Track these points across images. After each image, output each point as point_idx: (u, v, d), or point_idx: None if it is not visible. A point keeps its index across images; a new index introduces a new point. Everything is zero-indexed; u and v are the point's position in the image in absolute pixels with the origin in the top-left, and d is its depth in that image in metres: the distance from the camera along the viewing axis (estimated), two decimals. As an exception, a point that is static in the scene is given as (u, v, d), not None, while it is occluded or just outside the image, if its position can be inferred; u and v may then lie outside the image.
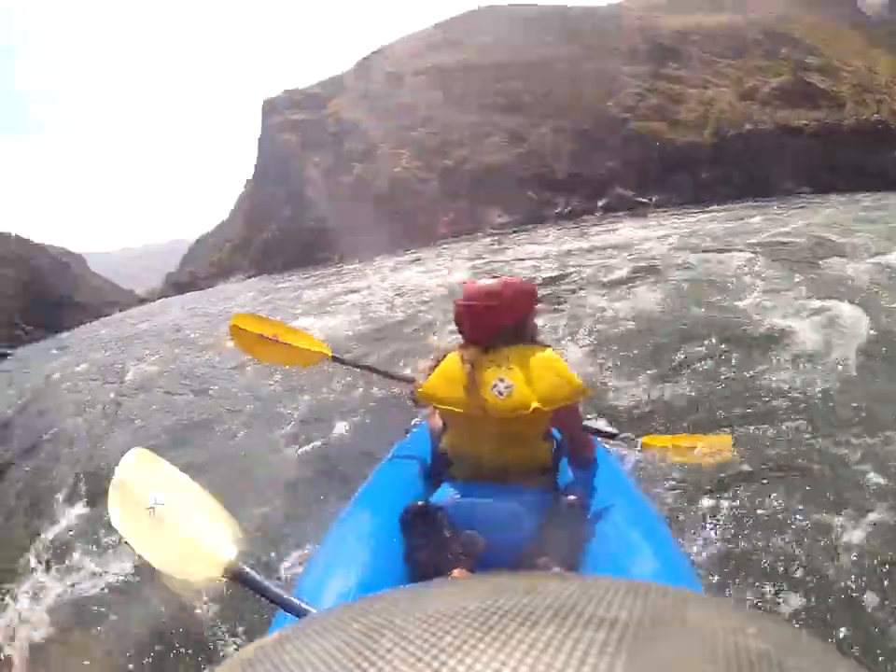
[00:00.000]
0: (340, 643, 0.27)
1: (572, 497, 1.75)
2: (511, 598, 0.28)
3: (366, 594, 1.16)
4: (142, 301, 52.67)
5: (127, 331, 18.15)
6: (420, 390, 1.92)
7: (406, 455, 2.32)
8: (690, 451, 2.52)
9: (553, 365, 1.81)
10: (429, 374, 1.95)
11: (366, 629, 0.28)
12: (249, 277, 40.54)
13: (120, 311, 41.58)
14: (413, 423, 3.47)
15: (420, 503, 1.71)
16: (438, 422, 2.16)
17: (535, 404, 1.74)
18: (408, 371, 4.46)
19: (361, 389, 5.15)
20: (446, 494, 1.81)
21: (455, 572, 1.57)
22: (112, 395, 7.73)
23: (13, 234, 59.52)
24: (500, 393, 1.76)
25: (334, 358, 3.23)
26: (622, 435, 2.62)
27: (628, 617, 0.27)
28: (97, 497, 3.88)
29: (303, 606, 1.30)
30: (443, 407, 1.87)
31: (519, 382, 1.77)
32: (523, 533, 1.68)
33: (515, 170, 36.73)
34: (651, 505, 1.95)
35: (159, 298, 48.49)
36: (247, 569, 1.41)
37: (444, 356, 1.94)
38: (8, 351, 25.29)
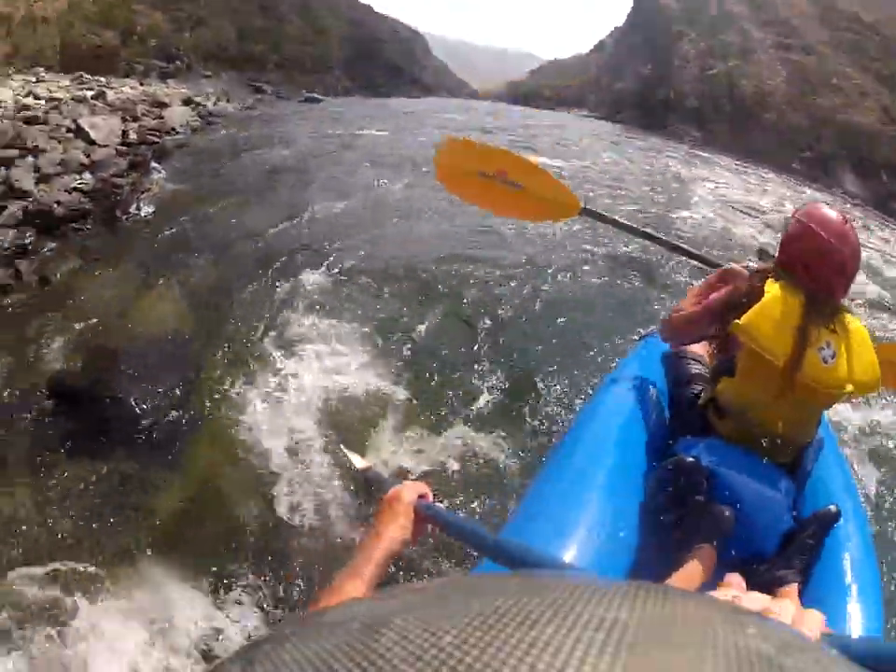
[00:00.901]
0: (340, 643, 0.27)
1: (833, 511, 1.55)
2: (511, 598, 0.28)
3: (586, 549, 1.29)
4: (472, 95, 53.59)
5: (440, 118, 18.92)
6: (741, 322, 1.60)
7: (634, 378, 2.03)
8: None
9: (870, 347, 1.66)
10: (736, 301, 1.68)
11: (366, 629, 0.28)
12: (592, 116, 39.11)
13: (450, 96, 42.86)
14: (646, 331, 3.03)
15: (691, 459, 1.55)
16: (700, 353, 1.96)
17: (850, 387, 1.60)
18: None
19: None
20: (713, 454, 1.62)
21: (704, 549, 1.43)
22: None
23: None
24: (825, 360, 1.58)
25: (586, 211, 2.67)
26: None
27: (628, 617, 0.27)
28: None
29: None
30: (760, 349, 1.59)
31: (841, 351, 1.60)
32: (775, 532, 1.54)
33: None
34: (867, 516, 1.80)
35: (493, 99, 48.90)
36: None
37: (753, 287, 1.67)
38: (319, 97, 28.08)
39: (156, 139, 11.75)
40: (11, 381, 3.61)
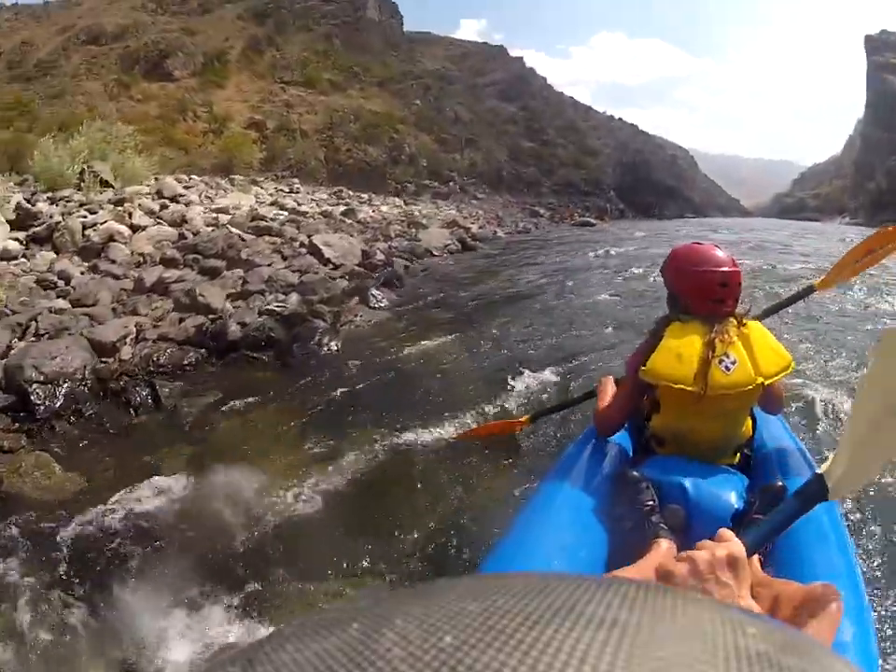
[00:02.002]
0: (340, 643, 0.27)
1: (778, 485, 1.64)
2: (511, 598, 0.28)
3: (566, 560, 1.59)
4: (746, 213, 50.08)
5: (714, 238, 17.00)
6: (644, 368, 1.83)
7: (592, 438, 2.21)
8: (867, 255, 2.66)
9: (767, 339, 1.87)
10: (647, 352, 1.86)
11: (366, 629, 0.28)
12: (854, 223, 35.80)
13: (721, 214, 39.74)
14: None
15: (633, 472, 1.78)
16: (623, 405, 2.08)
17: (759, 380, 1.79)
18: None
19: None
20: (655, 467, 1.83)
21: (661, 542, 1.58)
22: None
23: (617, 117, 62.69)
24: (727, 368, 1.77)
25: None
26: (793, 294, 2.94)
27: (628, 617, 0.27)
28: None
29: None
30: (667, 384, 1.80)
31: (741, 357, 1.79)
32: (725, 514, 1.66)
33: None
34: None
35: (761, 215, 45.14)
36: None
37: (656, 335, 1.89)
38: (592, 221, 28.66)
39: (405, 261, 10.77)
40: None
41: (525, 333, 6.26)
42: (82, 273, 7.10)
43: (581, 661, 0.24)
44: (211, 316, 5.94)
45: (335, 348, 5.66)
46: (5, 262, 7.16)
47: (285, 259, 8.82)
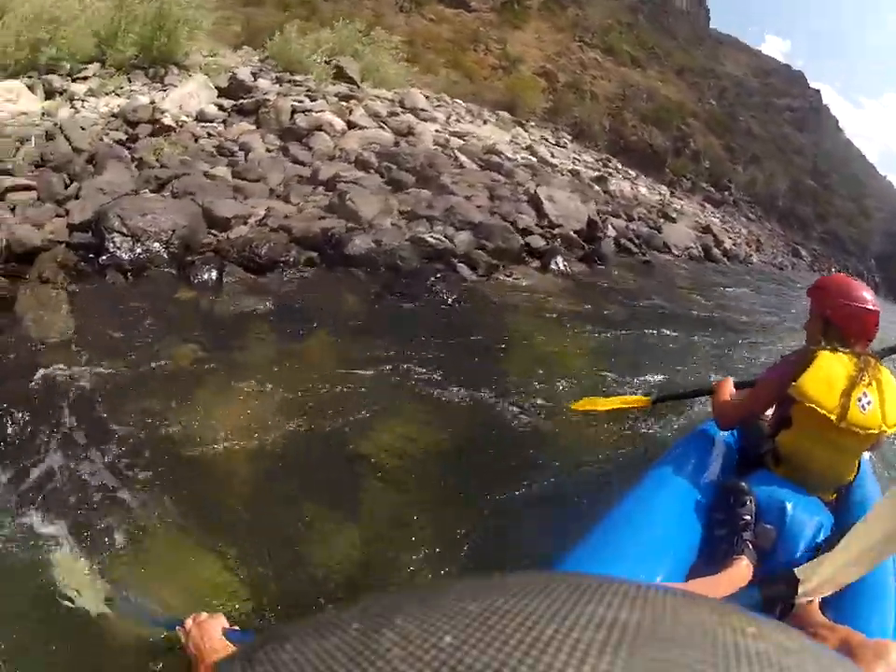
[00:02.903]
0: (340, 643, 0.27)
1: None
2: (511, 598, 0.28)
3: (651, 562, 1.57)
4: None
5: None
6: (795, 384, 1.85)
7: (702, 439, 2.27)
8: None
9: (893, 387, 1.86)
10: (797, 369, 1.88)
11: (366, 629, 0.28)
12: None
13: None
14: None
15: (741, 483, 1.80)
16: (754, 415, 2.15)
17: (883, 427, 1.81)
18: None
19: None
20: (762, 483, 1.85)
21: (743, 561, 1.60)
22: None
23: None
24: (863, 407, 1.79)
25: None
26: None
27: (628, 617, 0.27)
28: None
29: None
30: (812, 405, 1.82)
31: (875, 399, 1.81)
32: (808, 548, 1.68)
33: None
34: None
35: None
36: None
37: (806, 356, 1.90)
38: None
39: (635, 246, 9.18)
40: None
41: (674, 355, 4.84)
42: (268, 151, 6.72)
43: (581, 661, 0.23)
44: (350, 224, 5.19)
45: (460, 301, 4.68)
46: (195, 122, 7.14)
47: (493, 199, 7.79)
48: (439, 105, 13.60)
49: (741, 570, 1.60)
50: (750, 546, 1.65)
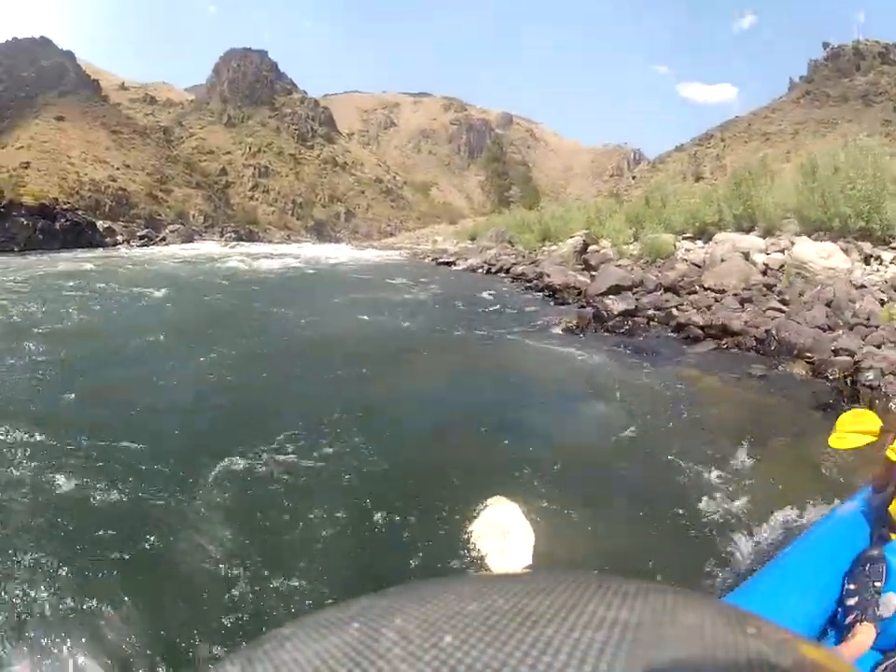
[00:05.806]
0: (340, 643, 0.27)
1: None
2: (511, 598, 0.28)
3: (793, 616, 1.79)
4: None
5: None
6: (891, 447, 1.93)
7: (852, 511, 2.30)
8: None
9: None
10: None
11: (366, 629, 0.28)
12: None
13: None
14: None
15: (874, 551, 1.85)
16: (884, 482, 2.11)
17: None
18: None
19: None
20: (889, 550, 1.87)
21: (869, 628, 1.66)
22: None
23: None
24: None
25: None
26: None
27: (628, 617, 0.27)
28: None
29: None
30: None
31: None
32: None
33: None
34: None
35: None
36: None
37: None
38: None
39: None
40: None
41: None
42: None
43: (581, 661, 0.23)
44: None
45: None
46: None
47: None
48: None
49: (863, 636, 1.62)
50: (878, 612, 1.67)
